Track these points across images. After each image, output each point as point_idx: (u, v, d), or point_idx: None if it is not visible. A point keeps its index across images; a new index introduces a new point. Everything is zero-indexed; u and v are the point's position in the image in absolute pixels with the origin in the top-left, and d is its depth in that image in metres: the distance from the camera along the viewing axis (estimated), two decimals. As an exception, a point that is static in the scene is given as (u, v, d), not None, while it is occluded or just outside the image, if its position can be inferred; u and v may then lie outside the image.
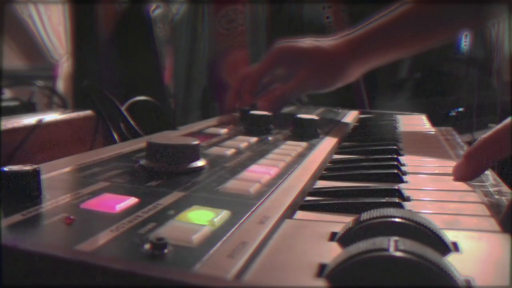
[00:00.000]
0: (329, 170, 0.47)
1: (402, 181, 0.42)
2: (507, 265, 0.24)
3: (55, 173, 0.35)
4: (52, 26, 1.57)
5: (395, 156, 0.50)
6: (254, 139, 0.54)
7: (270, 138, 0.57)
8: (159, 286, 0.19)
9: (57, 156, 0.41)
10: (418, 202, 0.36)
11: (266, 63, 0.81)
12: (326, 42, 0.80)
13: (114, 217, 0.27)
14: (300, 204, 0.35)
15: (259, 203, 0.31)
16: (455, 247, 0.26)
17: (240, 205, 0.30)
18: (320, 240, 0.27)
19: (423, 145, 0.61)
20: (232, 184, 0.35)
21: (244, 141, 0.52)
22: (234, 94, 0.82)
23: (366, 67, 0.82)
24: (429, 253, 0.21)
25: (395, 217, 0.26)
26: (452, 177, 0.42)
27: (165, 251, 0.22)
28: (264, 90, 0.83)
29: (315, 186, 0.41)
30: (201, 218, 0.27)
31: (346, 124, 0.78)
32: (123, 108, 0.74)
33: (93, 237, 0.23)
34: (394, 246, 0.21)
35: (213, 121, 0.71)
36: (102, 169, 0.38)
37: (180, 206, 0.29)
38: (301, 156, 0.47)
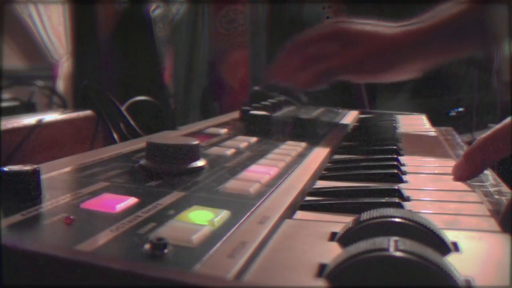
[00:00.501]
0: (329, 170, 0.47)
1: (402, 181, 0.42)
2: (507, 265, 0.24)
3: (55, 173, 0.35)
4: (52, 26, 1.57)
5: (395, 156, 0.50)
6: (254, 139, 0.54)
7: (270, 138, 0.57)
8: (159, 286, 0.19)
9: (57, 156, 0.41)
10: (418, 202, 0.36)
11: (317, 36, 0.72)
12: (385, 28, 0.73)
13: (114, 217, 0.27)
14: (300, 204, 0.35)
15: (259, 203, 0.31)
16: (455, 247, 0.26)
17: (240, 205, 0.30)
18: (320, 240, 0.27)
19: (423, 145, 0.61)
20: (232, 184, 0.35)
21: (244, 141, 0.52)
22: (282, 65, 0.74)
23: (426, 63, 0.72)
24: (429, 253, 0.21)
25: (395, 217, 0.26)
26: (452, 177, 0.42)
27: (165, 251, 0.22)
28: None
29: (315, 186, 0.41)
30: (201, 218, 0.27)
31: (346, 124, 0.78)
32: (123, 108, 0.74)
33: (93, 237, 0.23)
34: (394, 246, 0.21)
35: (213, 121, 0.71)
36: (102, 169, 0.38)
37: (180, 206, 0.29)
38: (301, 156, 0.47)
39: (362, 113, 0.96)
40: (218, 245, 0.24)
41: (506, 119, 0.40)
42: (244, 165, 0.42)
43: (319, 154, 0.49)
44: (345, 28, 0.72)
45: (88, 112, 0.77)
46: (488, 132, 0.40)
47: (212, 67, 1.33)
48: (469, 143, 0.81)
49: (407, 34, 0.71)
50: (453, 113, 1.54)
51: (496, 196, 0.39)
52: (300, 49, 0.73)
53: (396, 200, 0.35)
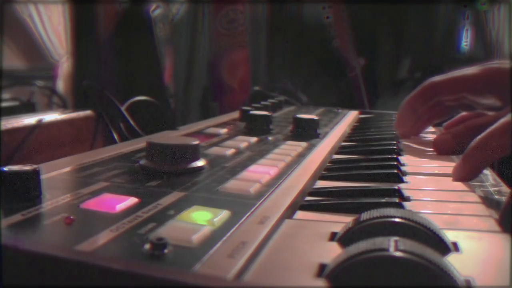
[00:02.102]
0: (329, 170, 0.47)
1: (402, 181, 0.42)
2: (507, 265, 0.24)
3: (55, 173, 0.35)
4: (52, 26, 1.57)
5: (395, 156, 0.50)
6: (254, 139, 0.54)
7: (270, 138, 0.57)
8: (159, 286, 0.19)
9: (57, 156, 0.41)
10: (418, 202, 0.36)
11: (475, 82, 0.57)
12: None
13: (114, 217, 0.27)
14: (300, 204, 0.35)
15: (259, 203, 0.31)
16: (455, 247, 0.26)
17: (240, 205, 0.30)
18: (320, 240, 0.27)
19: (423, 145, 0.61)
20: (232, 184, 0.35)
21: (244, 141, 0.52)
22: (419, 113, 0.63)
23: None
24: (429, 253, 0.21)
25: (395, 217, 0.26)
26: (451, 177, 0.42)
27: (165, 251, 0.22)
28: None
29: (315, 186, 0.41)
30: (201, 218, 0.27)
31: (346, 124, 0.78)
32: (123, 108, 0.74)
33: (93, 237, 0.23)
34: (394, 246, 0.21)
35: (213, 121, 0.71)
36: (102, 169, 0.38)
37: (180, 206, 0.29)
38: (301, 156, 0.47)
39: (362, 113, 0.96)
40: (218, 245, 0.24)
41: (502, 118, 0.39)
42: (244, 165, 0.42)
43: (319, 154, 0.49)
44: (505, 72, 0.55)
45: (88, 112, 0.77)
46: (484, 133, 0.40)
47: (212, 67, 1.33)
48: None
49: None
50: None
51: (496, 196, 0.39)
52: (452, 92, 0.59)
53: (396, 200, 0.35)
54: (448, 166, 0.46)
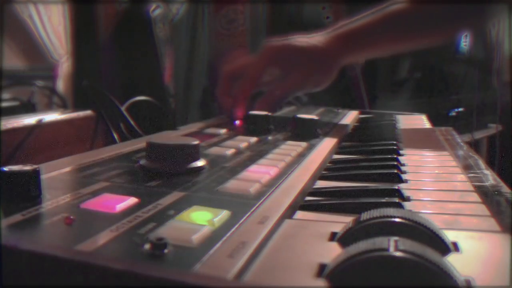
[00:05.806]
0: (329, 170, 0.47)
1: (402, 181, 0.42)
2: (507, 265, 0.24)
3: (55, 173, 0.35)
4: (52, 26, 1.57)
5: (395, 156, 0.50)
6: (254, 139, 0.54)
7: (270, 138, 0.57)
8: (159, 286, 0.19)
9: (57, 156, 0.41)
10: (418, 202, 0.36)
11: (259, 65, 0.76)
12: (316, 38, 0.78)
13: (114, 217, 0.27)
14: (300, 204, 0.35)
15: (259, 203, 0.31)
16: (455, 247, 0.26)
17: (240, 205, 0.30)
18: (320, 240, 0.27)
19: (423, 145, 0.61)
20: (232, 184, 0.35)
21: (244, 141, 0.52)
22: (226, 98, 0.77)
23: (356, 59, 0.85)
24: (429, 253, 0.21)
25: (395, 217, 0.26)
26: (451, 177, 0.42)
27: (165, 251, 0.22)
28: (257, 91, 0.79)
29: (315, 186, 0.41)
30: (201, 218, 0.27)
31: (346, 124, 0.78)
32: (123, 108, 0.74)
33: (93, 237, 0.23)
34: (394, 246, 0.21)
35: (213, 121, 0.71)
36: (102, 169, 0.38)
37: (180, 206, 0.29)
38: (301, 156, 0.47)
39: (362, 113, 0.96)
40: (218, 245, 0.24)
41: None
42: (244, 165, 0.42)
43: (319, 154, 0.49)
44: (280, 48, 0.77)
45: (88, 112, 0.77)
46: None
47: (212, 67, 1.33)
48: (469, 143, 0.81)
49: (336, 38, 0.77)
50: (453, 113, 1.54)
51: (496, 196, 0.39)
52: (249, 84, 0.75)
53: (396, 200, 0.35)
54: (449, 166, 0.46)
